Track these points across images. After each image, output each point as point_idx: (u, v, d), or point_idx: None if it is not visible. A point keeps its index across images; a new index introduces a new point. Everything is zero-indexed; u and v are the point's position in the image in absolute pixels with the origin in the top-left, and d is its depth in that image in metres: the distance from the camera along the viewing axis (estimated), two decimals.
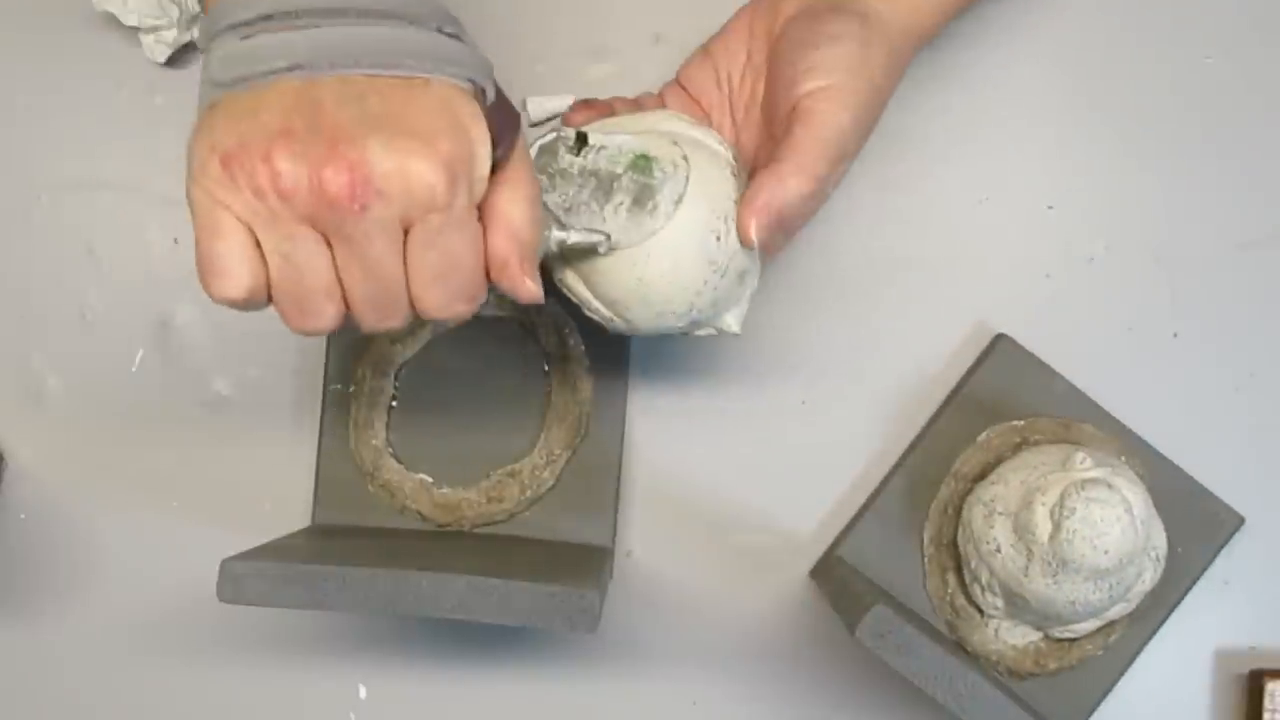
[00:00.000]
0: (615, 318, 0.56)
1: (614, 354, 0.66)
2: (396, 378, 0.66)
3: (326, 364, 0.66)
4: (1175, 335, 0.68)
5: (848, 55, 0.55)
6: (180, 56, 0.67)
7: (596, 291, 0.55)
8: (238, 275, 0.45)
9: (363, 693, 0.68)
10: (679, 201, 0.54)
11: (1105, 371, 0.66)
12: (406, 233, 0.46)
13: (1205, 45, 0.68)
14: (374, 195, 0.44)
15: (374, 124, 0.44)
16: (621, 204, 0.54)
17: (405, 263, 0.46)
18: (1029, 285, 0.68)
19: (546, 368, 0.66)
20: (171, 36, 0.65)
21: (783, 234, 0.55)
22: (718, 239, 0.54)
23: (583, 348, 0.66)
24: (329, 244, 0.45)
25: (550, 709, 0.68)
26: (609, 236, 0.53)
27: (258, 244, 0.45)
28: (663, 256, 0.54)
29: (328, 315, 0.47)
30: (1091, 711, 0.65)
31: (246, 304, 0.46)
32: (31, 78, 0.68)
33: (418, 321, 0.65)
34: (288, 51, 0.45)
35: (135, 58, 0.67)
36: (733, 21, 0.61)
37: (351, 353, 0.66)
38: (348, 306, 0.47)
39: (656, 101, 0.61)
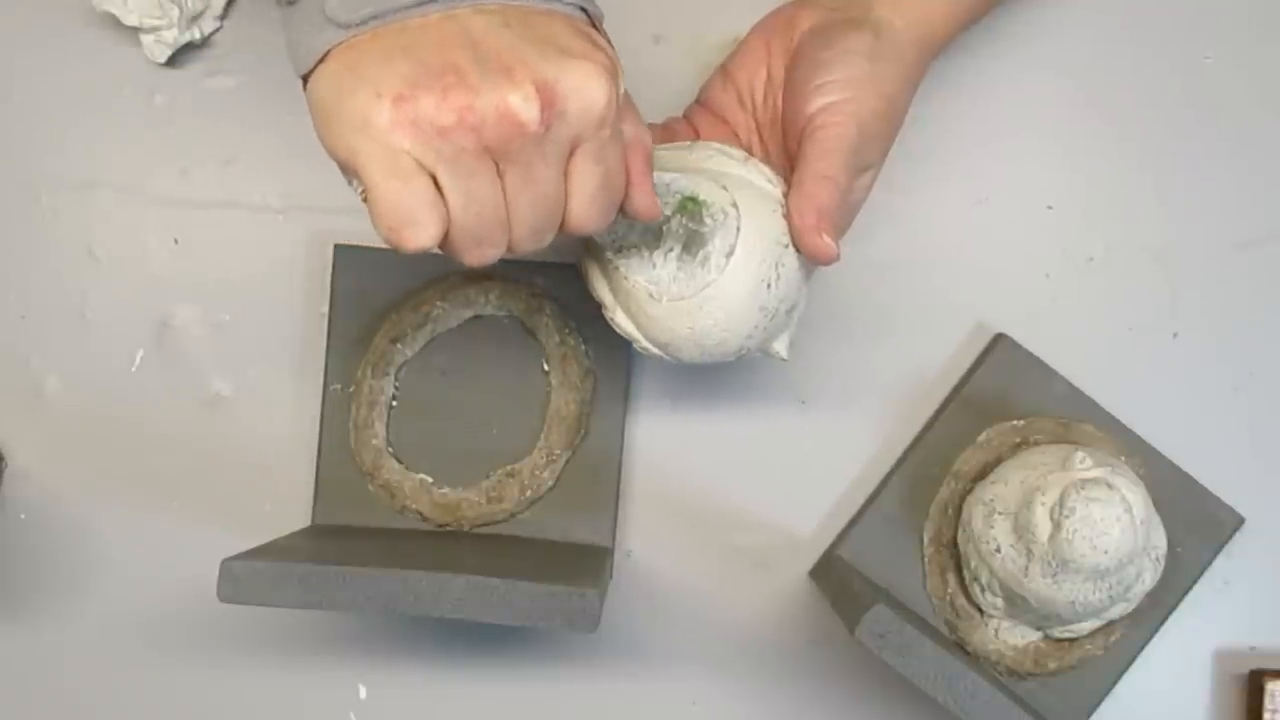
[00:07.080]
0: (664, 355, 0.56)
1: (614, 354, 0.66)
2: (396, 378, 0.66)
3: (326, 364, 0.66)
4: (1175, 335, 0.68)
5: (857, 69, 0.55)
6: (180, 56, 0.67)
7: (646, 333, 0.55)
8: (428, 221, 0.44)
9: (363, 693, 0.68)
10: (730, 253, 0.53)
11: (1105, 371, 0.66)
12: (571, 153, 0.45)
13: (1205, 45, 0.68)
14: (556, 116, 0.43)
15: (534, 47, 0.44)
16: (671, 250, 0.53)
17: (567, 181, 0.46)
18: (1028, 285, 0.68)
19: (546, 368, 0.66)
20: (171, 36, 0.65)
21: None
22: (769, 286, 0.54)
23: (583, 348, 0.66)
24: (499, 174, 0.45)
25: (550, 709, 0.68)
26: None
27: (437, 185, 0.44)
28: (716, 309, 0.53)
29: (501, 245, 0.46)
30: (1091, 711, 0.65)
31: (430, 248, 0.44)
32: (31, 78, 0.67)
33: (418, 320, 0.65)
34: None
35: (135, 58, 0.67)
36: (749, 39, 0.60)
37: (351, 353, 0.66)
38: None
39: (685, 125, 0.60)
